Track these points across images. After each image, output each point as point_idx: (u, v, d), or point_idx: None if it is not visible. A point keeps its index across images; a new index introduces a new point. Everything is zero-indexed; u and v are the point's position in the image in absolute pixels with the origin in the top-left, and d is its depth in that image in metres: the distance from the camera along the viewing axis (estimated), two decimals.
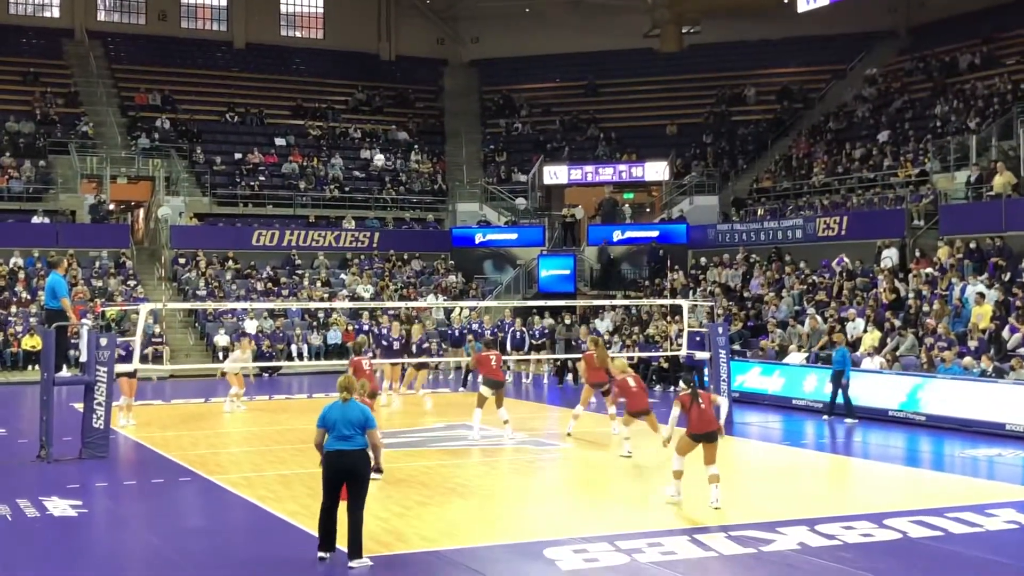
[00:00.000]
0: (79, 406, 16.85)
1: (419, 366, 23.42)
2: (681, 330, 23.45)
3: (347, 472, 9.76)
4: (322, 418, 9.96)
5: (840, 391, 20.23)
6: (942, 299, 23.45)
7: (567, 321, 30.53)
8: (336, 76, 45.62)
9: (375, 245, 37.39)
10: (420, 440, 17.76)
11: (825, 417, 20.39)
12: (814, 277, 28.42)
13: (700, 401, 12.31)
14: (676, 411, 12.61)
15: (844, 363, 20.24)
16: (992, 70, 34.56)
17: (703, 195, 37.40)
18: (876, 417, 20.11)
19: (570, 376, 28.20)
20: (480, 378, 18.01)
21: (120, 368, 17.39)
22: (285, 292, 33.84)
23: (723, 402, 12.78)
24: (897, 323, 23.21)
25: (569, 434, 17.84)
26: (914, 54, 39.56)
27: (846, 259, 27.82)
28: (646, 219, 39.31)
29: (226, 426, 20.10)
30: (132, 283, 32.85)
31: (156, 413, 21.54)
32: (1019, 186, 26.01)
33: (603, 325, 30.97)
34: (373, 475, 10.12)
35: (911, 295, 24.53)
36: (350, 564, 9.60)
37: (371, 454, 9.93)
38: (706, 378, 21.81)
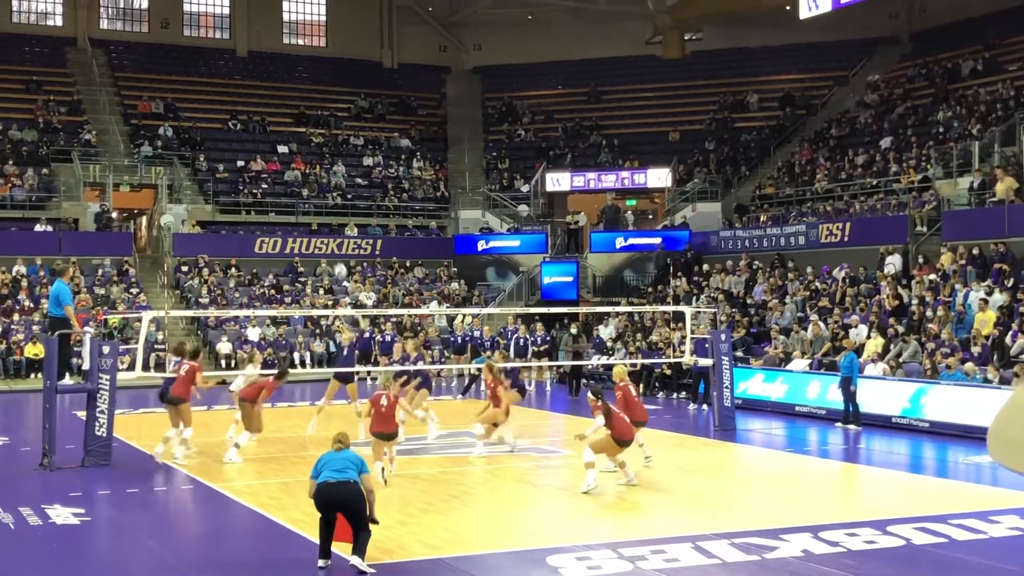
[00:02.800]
0: (82, 414, 16.85)
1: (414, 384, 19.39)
2: (684, 337, 23.42)
3: (338, 504, 9.62)
4: (315, 467, 9.97)
5: (850, 397, 20.19)
6: (945, 305, 23.43)
7: (573, 331, 30.44)
8: (338, 84, 45.66)
9: (378, 252, 37.39)
10: (422, 447, 17.74)
11: (839, 424, 20.30)
12: (817, 283, 28.39)
13: (615, 409, 13.52)
14: (601, 420, 13.54)
15: (852, 369, 20.17)
16: (994, 76, 34.55)
17: (706, 202, 37.36)
18: (879, 423, 20.06)
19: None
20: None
21: (124, 377, 17.35)
22: (288, 299, 33.84)
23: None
24: (900, 329, 23.18)
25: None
26: (916, 60, 39.57)
27: (847, 267, 27.81)
28: (649, 226, 39.30)
29: (228, 433, 20.07)
30: (135, 291, 32.86)
31: (158, 421, 21.49)
32: (1021, 192, 25.98)
33: (606, 331, 30.95)
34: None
35: (914, 301, 24.51)
36: (351, 561, 9.56)
37: (367, 499, 9.80)
38: (711, 385, 21.81)
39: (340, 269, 36.15)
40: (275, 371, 18.24)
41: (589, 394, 13.74)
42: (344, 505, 9.62)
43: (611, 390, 17.13)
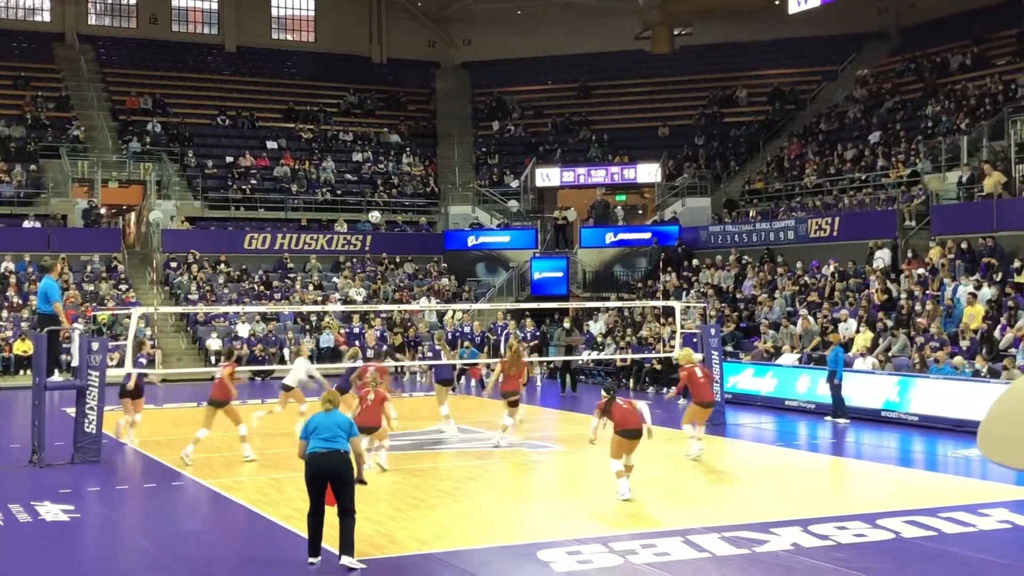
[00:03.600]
0: (71, 411, 16.82)
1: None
2: (674, 332, 23.45)
3: (329, 473, 9.66)
4: (305, 428, 9.97)
5: (834, 391, 20.26)
6: (934, 299, 23.50)
7: (566, 325, 30.43)
8: (327, 79, 45.61)
9: (367, 248, 37.35)
10: (413, 443, 17.74)
11: (828, 418, 20.35)
12: (806, 278, 28.45)
13: (620, 403, 12.79)
14: (595, 420, 13.00)
15: (837, 363, 20.25)
16: (982, 70, 34.64)
17: (695, 197, 37.42)
18: (868, 417, 20.12)
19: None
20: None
21: (113, 373, 17.34)
22: (277, 295, 33.79)
23: (644, 407, 13.00)
24: (889, 323, 23.24)
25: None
26: (905, 55, 39.65)
27: (836, 262, 27.88)
28: (638, 221, 39.33)
29: (218, 430, 20.05)
30: (124, 287, 32.78)
31: (148, 417, 21.44)
32: (1010, 186, 26.07)
33: (596, 327, 30.96)
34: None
35: (903, 295, 24.58)
36: (341, 561, 9.56)
37: (354, 462, 9.88)
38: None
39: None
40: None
41: (602, 391, 13.41)
42: (333, 475, 9.67)
43: (627, 388, 16.85)
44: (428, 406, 22.65)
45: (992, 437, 1.82)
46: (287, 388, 18.78)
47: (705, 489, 14.03)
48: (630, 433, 12.68)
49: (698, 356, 18.17)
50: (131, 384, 17.85)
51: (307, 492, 9.82)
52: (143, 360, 18.85)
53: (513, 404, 17.66)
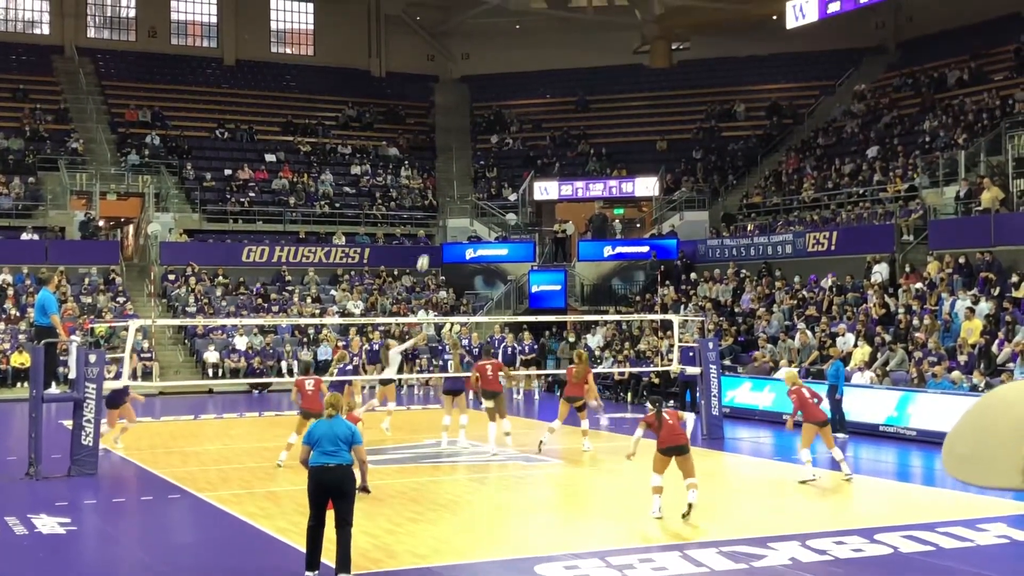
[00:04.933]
0: (68, 423, 16.79)
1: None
2: (672, 345, 23.45)
3: (332, 487, 9.68)
4: (308, 434, 9.95)
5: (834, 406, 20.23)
6: (932, 314, 23.51)
7: (571, 339, 30.38)
8: (326, 92, 45.66)
9: (365, 261, 37.35)
10: (410, 456, 17.72)
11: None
12: (804, 292, 28.47)
13: (667, 417, 12.48)
14: (640, 432, 12.74)
15: (838, 377, 20.23)
16: (980, 85, 34.72)
17: (693, 211, 37.46)
18: (866, 432, 20.11)
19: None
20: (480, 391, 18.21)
21: (110, 386, 17.33)
22: (275, 308, 33.76)
23: (689, 418, 12.79)
24: (887, 338, 23.24)
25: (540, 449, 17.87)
26: (902, 70, 39.75)
27: (834, 276, 27.91)
28: (636, 235, 39.36)
29: (215, 443, 20.05)
30: (121, 299, 32.76)
31: (146, 430, 21.43)
32: (1007, 201, 26.11)
33: (594, 340, 30.97)
34: (359, 493, 10.08)
35: (901, 310, 24.59)
36: None
37: (356, 471, 9.88)
38: (698, 394, 21.83)
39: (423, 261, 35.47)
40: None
41: (648, 404, 13.24)
42: (337, 489, 9.69)
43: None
44: (427, 419, 22.63)
45: (955, 455, 1.89)
46: (385, 383, 19.60)
47: (703, 504, 13.99)
48: (671, 451, 12.41)
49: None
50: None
51: (308, 504, 9.81)
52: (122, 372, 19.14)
53: (579, 409, 18.10)
